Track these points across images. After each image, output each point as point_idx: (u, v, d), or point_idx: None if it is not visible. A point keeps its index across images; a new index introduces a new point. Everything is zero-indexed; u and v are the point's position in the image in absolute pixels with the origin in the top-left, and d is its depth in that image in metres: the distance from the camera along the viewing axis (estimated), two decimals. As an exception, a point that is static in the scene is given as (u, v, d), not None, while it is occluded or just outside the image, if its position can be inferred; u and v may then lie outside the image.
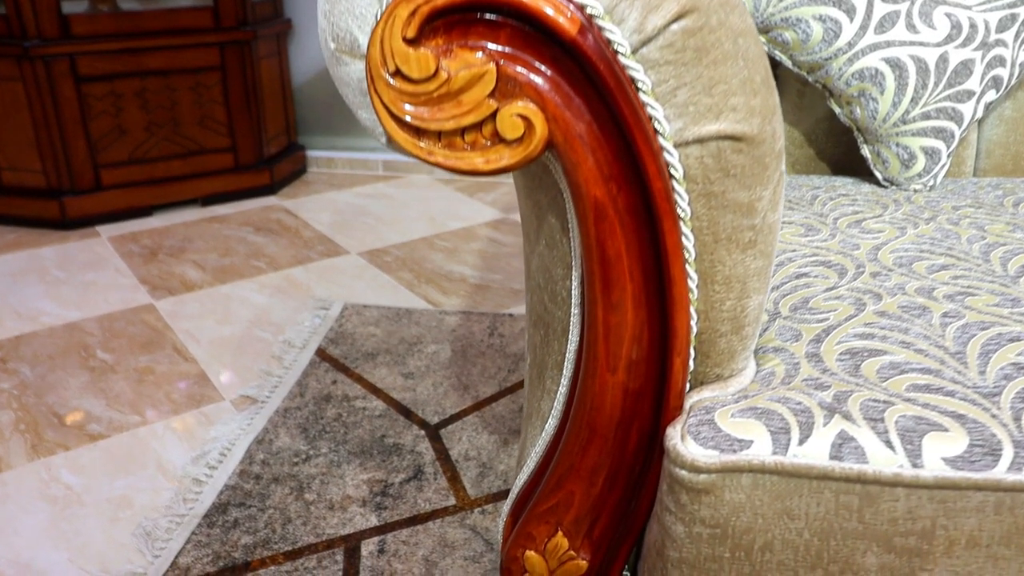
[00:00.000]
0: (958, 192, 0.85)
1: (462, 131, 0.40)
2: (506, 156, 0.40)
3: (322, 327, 1.59)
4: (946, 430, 0.42)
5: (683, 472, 0.42)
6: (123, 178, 2.08)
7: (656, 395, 0.46)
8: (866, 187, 0.88)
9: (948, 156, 0.86)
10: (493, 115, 0.40)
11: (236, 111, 2.17)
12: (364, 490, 1.14)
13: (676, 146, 0.43)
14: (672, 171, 0.43)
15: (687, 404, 0.46)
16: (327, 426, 1.29)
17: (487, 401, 1.35)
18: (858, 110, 0.86)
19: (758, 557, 0.43)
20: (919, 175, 0.86)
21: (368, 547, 1.04)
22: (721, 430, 0.43)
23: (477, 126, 0.40)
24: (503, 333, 1.57)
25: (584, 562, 0.50)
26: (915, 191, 0.87)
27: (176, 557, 1.02)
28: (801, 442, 0.42)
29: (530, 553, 0.50)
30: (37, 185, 2.02)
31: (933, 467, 0.41)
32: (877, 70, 0.82)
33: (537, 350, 0.54)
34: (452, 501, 1.12)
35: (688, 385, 0.48)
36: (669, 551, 0.44)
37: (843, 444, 0.42)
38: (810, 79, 0.88)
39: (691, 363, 0.47)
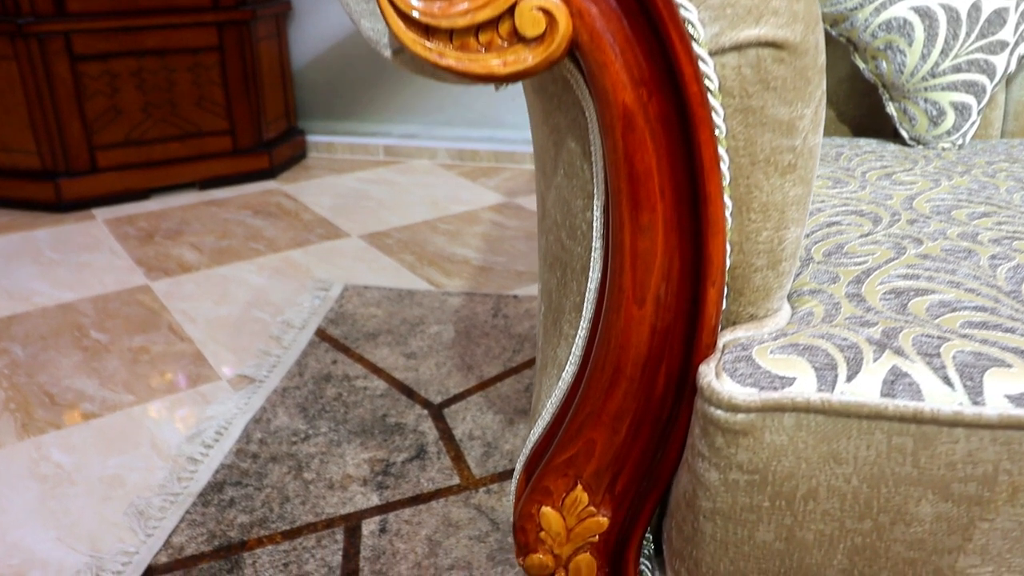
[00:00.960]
0: (989, 150, 0.81)
1: (476, 29, 0.36)
2: (526, 57, 0.36)
3: (322, 307, 1.55)
4: (1009, 366, 0.39)
5: (719, 412, 0.38)
6: (119, 160, 2.04)
7: (687, 332, 0.42)
8: (892, 146, 0.84)
9: (979, 113, 0.82)
10: (511, 9, 0.36)
11: (235, 93, 2.13)
12: (365, 469, 1.10)
13: (712, 54, 0.39)
14: (707, 83, 0.39)
15: (720, 343, 0.42)
16: (327, 405, 1.25)
17: (492, 381, 1.31)
18: (884, 64, 0.81)
19: (800, 506, 0.39)
20: (948, 133, 0.82)
21: (369, 526, 1.00)
22: (760, 367, 0.39)
23: (493, 23, 0.36)
24: (507, 314, 1.53)
25: (605, 519, 0.46)
26: (943, 149, 0.83)
27: (169, 536, 0.98)
28: (849, 379, 0.38)
29: (546, 509, 0.46)
30: (31, 167, 1.98)
31: (996, 405, 0.37)
32: (905, 20, 0.78)
33: (553, 295, 0.50)
34: (456, 480, 1.08)
35: (720, 326, 0.44)
36: (701, 501, 0.40)
37: (896, 381, 0.38)
38: (833, 33, 0.84)
39: (724, 301, 0.43)
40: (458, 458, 1.13)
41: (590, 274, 0.45)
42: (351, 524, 1.01)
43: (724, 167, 0.41)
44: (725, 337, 0.43)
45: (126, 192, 2.07)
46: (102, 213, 2.01)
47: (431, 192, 2.19)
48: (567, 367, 0.47)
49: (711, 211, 0.38)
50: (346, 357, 1.38)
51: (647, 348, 0.41)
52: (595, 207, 0.44)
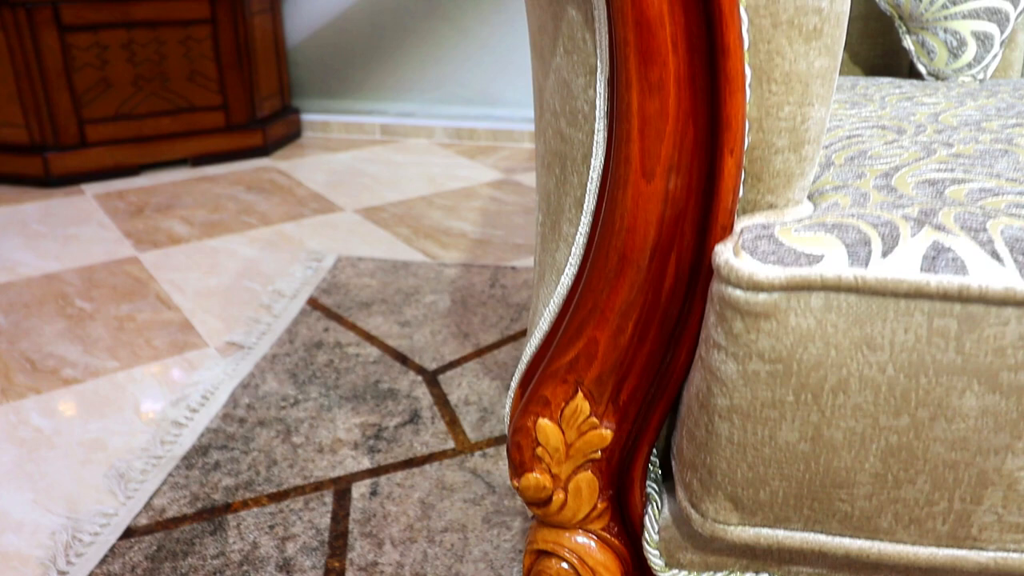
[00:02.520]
0: (1012, 85, 0.76)
1: None
2: None
3: (314, 278, 1.51)
4: (1064, 242, 0.34)
5: (737, 292, 0.34)
6: (109, 134, 1.99)
7: (700, 214, 0.37)
8: (910, 82, 0.80)
9: (1001, 44, 0.78)
10: None
11: (227, 68, 2.09)
12: (356, 433, 1.06)
13: None
14: (723, -73, 0.34)
15: (737, 228, 0.38)
16: (318, 371, 1.20)
17: (489, 348, 1.27)
18: (901, -7, 0.77)
19: (829, 401, 0.35)
20: (968, 65, 0.78)
21: (359, 489, 0.96)
22: (783, 244, 0.35)
23: None
24: (505, 284, 1.49)
25: (608, 432, 0.41)
26: (963, 83, 0.78)
27: (151, 498, 0.94)
28: (885, 254, 0.34)
29: (544, 422, 0.41)
30: (19, 141, 1.93)
31: (1052, 282, 0.33)
32: (925, -57, 0.74)
33: (551, 197, 0.46)
34: (451, 445, 1.04)
35: (736, 214, 0.39)
36: (717, 399, 0.36)
37: (937, 256, 0.34)
38: (847, -39, 0.79)
39: (740, 186, 0.39)
40: (453, 423, 1.08)
41: (592, 161, 0.41)
42: (340, 487, 0.96)
43: (743, 29, 0.36)
44: (742, 222, 0.39)
45: (116, 168, 2.03)
46: (92, 188, 1.97)
47: (428, 169, 2.15)
48: (566, 269, 0.43)
49: (730, 66, 0.34)
50: (338, 325, 1.34)
51: (656, 231, 0.37)
52: (598, 81, 0.39)
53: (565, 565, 0.46)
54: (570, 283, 0.43)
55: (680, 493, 0.41)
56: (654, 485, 0.44)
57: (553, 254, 0.45)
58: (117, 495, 0.95)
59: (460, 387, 1.16)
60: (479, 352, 1.25)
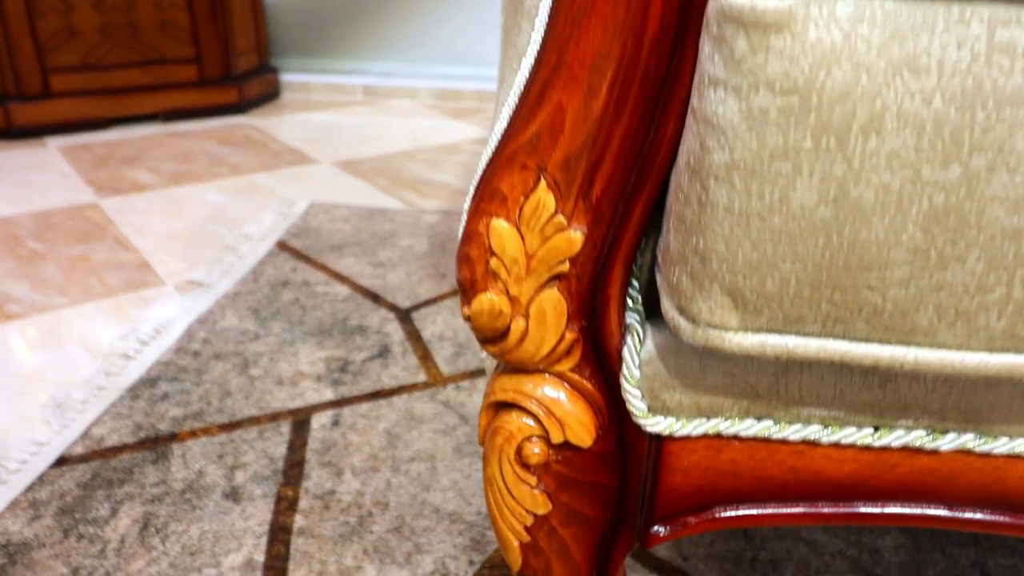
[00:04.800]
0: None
1: None
2: None
3: (284, 222, 1.42)
4: None
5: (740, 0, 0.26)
6: (75, 85, 1.90)
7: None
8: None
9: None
10: None
11: (201, 19, 2.00)
12: (320, 367, 0.98)
13: None
14: None
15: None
16: (282, 308, 1.12)
17: (467, 288, 1.18)
18: None
19: (858, 146, 0.27)
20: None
21: (320, 420, 0.88)
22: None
23: None
24: (487, 230, 1.41)
25: (578, 235, 0.34)
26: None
27: (89, 428, 0.86)
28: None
29: (499, 224, 0.34)
30: (-21, 90, 1.84)
31: None
32: None
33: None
34: (422, 378, 0.96)
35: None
36: (713, 155, 0.28)
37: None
38: None
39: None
40: (425, 357, 1.00)
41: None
42: (299, 418, 0.88)
43: None
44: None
45: (83, 121, 1.94)
46: (56, 142, 1.88)
47: (412, 128, 2.07)
48: (530, 45, 0.35)
49: None
50: (307, 265, 1.26)
51: (636, -46, 0.29)
52: None
53: (528, 421, 0.38)
54: (534, 59, 0.35)
55: (666, 304, 0.33)
56: (635, 315, 0.36)
57: (515, 38, 0.37)
58: (52, 424, 0.86)
59: (434, 324, 1.08)
60: (456, 291, 1.17)
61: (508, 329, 0.36)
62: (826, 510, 0.38)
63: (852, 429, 0.36)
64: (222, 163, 1.76)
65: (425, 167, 1.75)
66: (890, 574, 0.68)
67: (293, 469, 0.80)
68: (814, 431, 0.36)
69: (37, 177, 1.64)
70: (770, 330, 0.30)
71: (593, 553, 0.41)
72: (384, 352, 1.01)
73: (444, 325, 1.08)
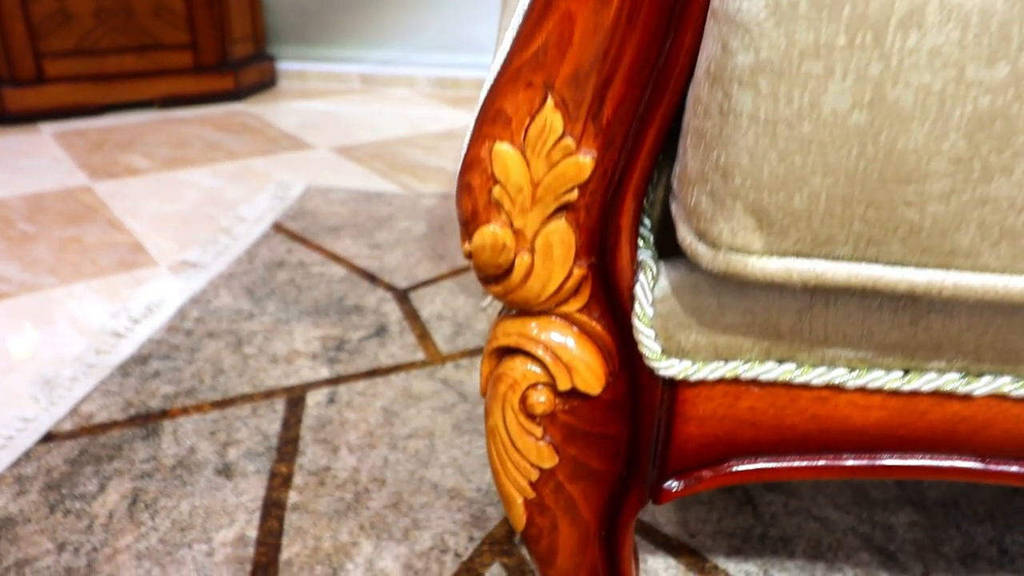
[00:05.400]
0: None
1: None
2: None
3: (280, 205, 1.40)
4: None
5: None
6: (69, 70, 1.88)
7: None
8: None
9: None
10: None
11: (196, 4, 1.98)
12: (316, 345, 0.95)
13: None
14: None
15: None
16: (277, 288, 1.10)
17: (466, 269, 1.16)
18: None
19: (896, 41, 0.25)
20: None
21: (315, 397, 0.85)
22: None
23: None
24: (486, 212, 1.38)
25: (588, 160, 0.31)
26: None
27: (78, 404, 0.83)
28: None
29: (502, 148, 0.31)
30: (-29, 75, 1.82)
31: None
32: None
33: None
34: (421, 356, 0.93)
35: None
36: (736, 57, 0.26)
37: None
38: None
39: None
40: (424, 336, 0.98)
41: None
42: (294, 396, 0.86)
43: None
44: None
45: (77, 107, 1.91)
46: (50, 128, 1.85)
47: (409, 115, 2.05)
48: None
49: None
50: (302, 247, 1.23)
51: None
52: None
53: (534, 367, 0.36)
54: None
55: (683, 232, 0.30)
56: (648, 251, 0.34)
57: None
58: (40, 401, 0.84)
59: (433, 303, 1.06)
60: (456, 272, 1.15)
61: (512, 265, 0.33)
62: (850, 462, 0.36)
63: (880, 372, 0.33)
64: (218, 148, 1.73)
65: (423, 152, 1.73)
66: (904, 551, 0.66)
67: (287, 446, 0.78)
68: (839, 375, 0.33)
69: (29, 162, 1.61)
70: (797, 253, 0.28)
71: (602, 511, 0.39)
72: (381, 331, 0.99)
73: (443, 305, 1.05)
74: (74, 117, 1.92)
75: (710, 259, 0.29)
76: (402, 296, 1.08)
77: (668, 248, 0.35)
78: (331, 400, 0.85)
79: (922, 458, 0.36)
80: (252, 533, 0.67)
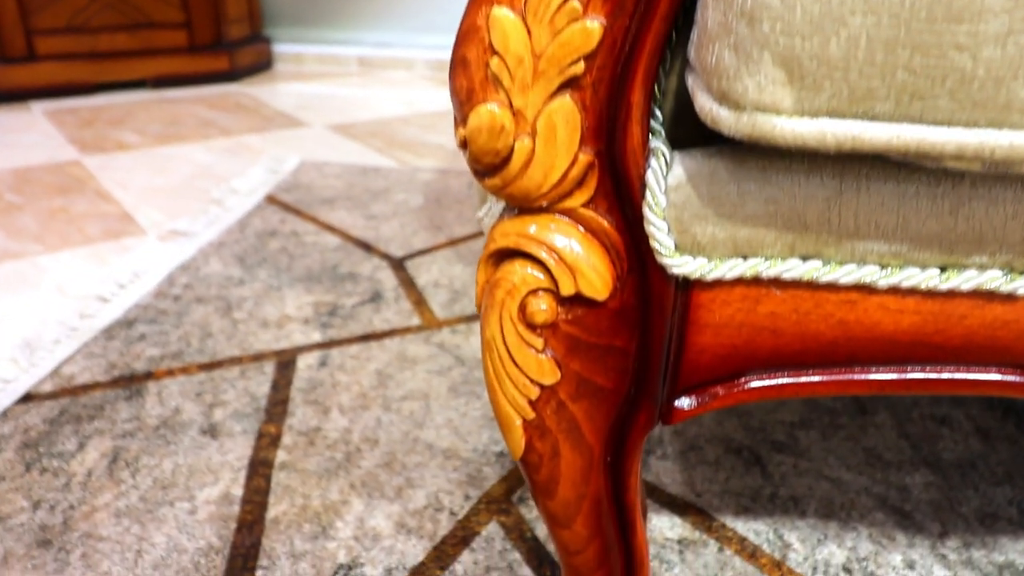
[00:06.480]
0: None
1: None
2: None
3: (273, 179, 1.37)
4: None
5: None
6: (60, 48, 1.84)
7: None
8: None
9: None
10: None
11: (191, -18, 1.95)
12: (308, 311, 0.92)
13: None
14: None
15: None
16: (269, 256, 1.07)
17: (464, 239, 1.13)
18: None
19: None
20: None
21: (307, 360, 0.82)
22: None
23: None
24: (484, 186, 1.35)
25: (596, 26, 0.28)
26: None
27: (59, 366, 0.80)
28: None
29: (501, 13, 0.28)
30: (-39, 51, 1.78)
31: None
32: None
33: None
34: (416, 321, 0.90)
35: None
36: None
37: None
38: None
39: None
40: (420, 302, 0.95)
41: None
42: (285, 359, 0.83)
43: None
44: None
45: (69, 85, 1.88)
46: (41, 106, 1.82)
47: (407, 96, 2.01)
48: None
49: None
50: (296, 217, 1.20)
51: None
52: None
53: (535, 271, 0.33)
54: None
55: (702, 99, 0.27)
56: (660, 140, 0.31)
57: None
58: (19, 362, 0.81)
59: (429, 272, 1.03)
60: (453, 242, 1.12)
61: (511, 152, 0.30)
62: (878, 376, 0.33)
63: (915, 270, 0.30)
64: (211, 126, 1.70)
65: (421, 130, 1.70)
66: (920, 511, 0.63)
67: (276, 407, 0.75)
68: (870, 272, 0.30)
69: (18, 137, 1.58)
70: (831, 112, 0.25)
71: (607, 434, 0.36)
72: (376, 297, 0.96)
73: (440, 273, 1.02)
74: (65, 96, 1.89)
75: (732, 122, 0.26)
76: (398, 264, 1.05)
77: (681, 142, 0.32)
78: (323, 363, 0.82)
79: (956, 370, 0.33)
80: (238, 491, 0.64)
